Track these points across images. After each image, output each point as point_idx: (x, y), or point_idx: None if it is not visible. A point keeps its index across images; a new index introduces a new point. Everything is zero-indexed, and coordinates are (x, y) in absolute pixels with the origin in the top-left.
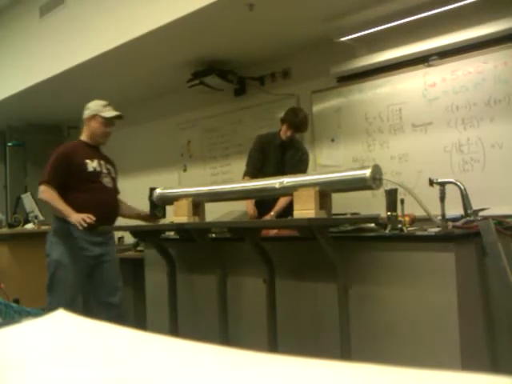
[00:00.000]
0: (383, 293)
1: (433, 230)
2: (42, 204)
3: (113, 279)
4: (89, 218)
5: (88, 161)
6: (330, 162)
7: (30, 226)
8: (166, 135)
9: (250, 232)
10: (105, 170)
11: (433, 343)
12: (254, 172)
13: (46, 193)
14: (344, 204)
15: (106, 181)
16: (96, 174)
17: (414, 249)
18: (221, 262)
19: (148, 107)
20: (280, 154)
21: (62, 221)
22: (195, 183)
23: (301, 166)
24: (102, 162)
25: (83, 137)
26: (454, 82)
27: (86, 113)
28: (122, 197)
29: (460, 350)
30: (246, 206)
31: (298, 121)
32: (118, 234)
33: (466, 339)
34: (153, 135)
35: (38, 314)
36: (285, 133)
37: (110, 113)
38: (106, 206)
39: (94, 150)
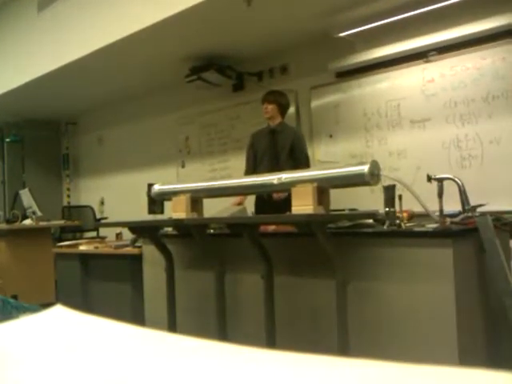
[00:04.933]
0: (381, 288)
1: (431, 226)
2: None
3: None
4: None
5: None
6: (328, 158)
7: (28, 222)
8: (164, 131)
9: (249, 228)
10: None
11: (431, 339)
12: (250, 169)
13: None
14: (342, 200)
15: None
16: None
17: (411, 245)
18: (219, 257)
19: (146, 103)
20: (271, 141)
21: None
22: (193, 179)
23: (298, 154)
24: None
25: None
26: (453, 77)
27: None
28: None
29: (458, 345)
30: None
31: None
32: (116, 230)
33: (463, 335)
34: (151, 131)
35: (35, 310)
36: (263, 112)
37: None
38: None
39: None
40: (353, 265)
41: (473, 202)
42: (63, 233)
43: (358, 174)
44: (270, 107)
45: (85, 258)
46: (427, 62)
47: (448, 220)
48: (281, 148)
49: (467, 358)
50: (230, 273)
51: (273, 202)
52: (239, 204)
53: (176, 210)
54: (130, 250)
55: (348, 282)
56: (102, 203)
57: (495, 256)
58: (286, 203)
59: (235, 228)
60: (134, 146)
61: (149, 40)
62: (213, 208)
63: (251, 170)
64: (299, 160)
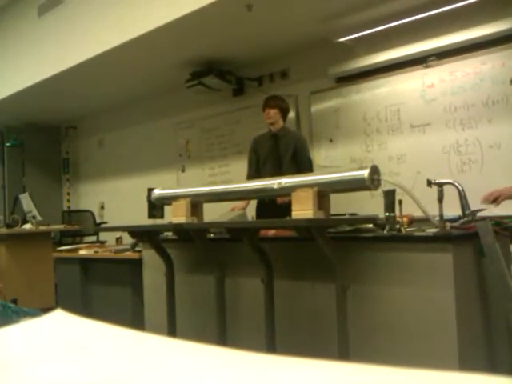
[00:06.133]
0: (381, 293)
1: (431, 231)
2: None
3: None
4: None
5: None
6: (328, 163)
7: (28, 227)
8: (164, 135)
9: (249, 232)
10: None
11: (431, 344)
12: (252, 173)
13: None
14: (342, 204)
15: None
16: None
17: (411, 249)
18: (219, 262)
19: (147, 107)
20: (273, 145)
21: None
22: (193, 184)
23: (301, 158)
24: None
25: None
26: (452, 82)
27: None
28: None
29: (458, 350)
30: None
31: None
32: (116, 235)
33: (463, 340)
34: (151, 135)
35: (36, 315)
36: (265, 118)
37: None
38: None
39: None
40: (353, 269)
41: (473, 206)
42: (63, 237)
43: (358, 178)
44: (273, 112)
45: (85, 262)
46: (427, 67)
47: (448, 225)
48: (283, 152)
49: (467, 362)
50: (230, 277)
51: (274, 207)
52: (243, 208)
53: (176, 215)
54: (129, 254)
55: (348, 286)
56: (102, 207)
57: (495, 260)
58: (287, 208)
59: (235, 233)
60: (134, 151)
61: (149, 45)
62: (213, 213)
63: (253, 174)
64: (303, 164)
